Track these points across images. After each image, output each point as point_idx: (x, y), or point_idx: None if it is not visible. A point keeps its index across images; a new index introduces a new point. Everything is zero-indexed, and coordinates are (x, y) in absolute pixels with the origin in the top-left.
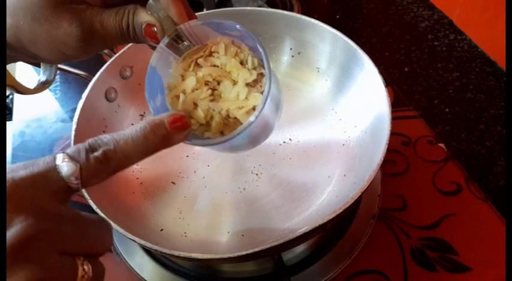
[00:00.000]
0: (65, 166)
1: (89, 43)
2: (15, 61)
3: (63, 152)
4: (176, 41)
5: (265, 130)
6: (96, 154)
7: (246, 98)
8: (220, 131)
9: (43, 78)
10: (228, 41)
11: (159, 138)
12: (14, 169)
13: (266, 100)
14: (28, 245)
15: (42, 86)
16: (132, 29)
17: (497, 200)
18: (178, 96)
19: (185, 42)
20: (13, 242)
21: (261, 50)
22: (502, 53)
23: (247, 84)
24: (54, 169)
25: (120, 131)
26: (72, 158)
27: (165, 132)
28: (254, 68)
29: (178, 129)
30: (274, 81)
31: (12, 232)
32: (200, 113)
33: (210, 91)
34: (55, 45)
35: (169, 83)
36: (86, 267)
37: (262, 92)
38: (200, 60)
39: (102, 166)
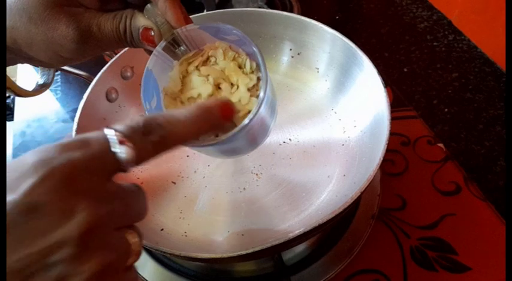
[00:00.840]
0: (123, 151)
1: (85, 46)
2: (12, 64)
3: (117, 131)
4: (173, 46)
5: (262, 133)
6: (152, 138)
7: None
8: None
9: (41, 81)
10: (226, 46)
11: (209, 126)
12: (70, 147)
13: (262, 103)
14: (94, 232)
15: (40, 89)
16: (129, 33)
17: (496, 200)
18: (174, 99)
19: (182, 47)
20: (81, 232)
21: (258, 54)
22: (501, 53)
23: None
24: (109, 152)
25: (171, 112)
26: (128, 139)
27: (216, 122)
28: (252, 72)
29: (228, 118)
30: (269, 85)
31: (78, 221)
32: None
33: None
34: (51, 47)
35: (165, 87)
36: (135, 239)
37: (257, 96)
38: (197, 66)
39: (156, 149)
